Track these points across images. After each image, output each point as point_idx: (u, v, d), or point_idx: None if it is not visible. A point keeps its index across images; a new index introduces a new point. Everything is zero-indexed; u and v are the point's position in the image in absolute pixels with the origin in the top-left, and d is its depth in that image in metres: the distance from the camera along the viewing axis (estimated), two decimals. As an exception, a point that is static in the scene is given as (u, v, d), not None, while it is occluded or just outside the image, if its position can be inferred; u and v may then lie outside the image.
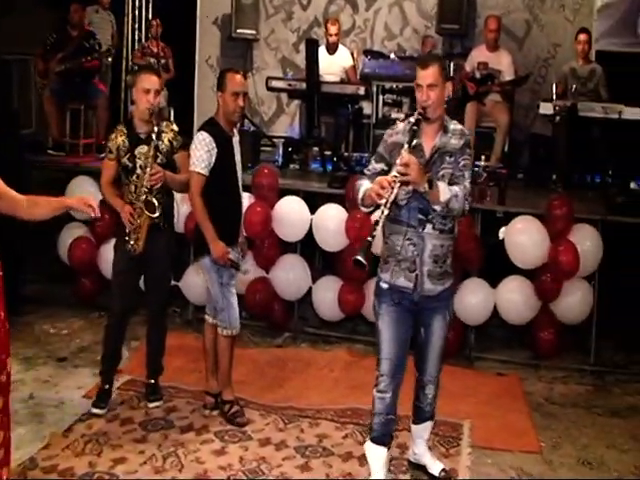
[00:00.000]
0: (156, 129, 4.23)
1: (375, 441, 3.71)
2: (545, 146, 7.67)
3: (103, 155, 4.73)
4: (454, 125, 3.53)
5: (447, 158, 3.46)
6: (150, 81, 4.29)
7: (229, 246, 4.26)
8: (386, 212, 3.29)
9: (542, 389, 5.16)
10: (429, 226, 3.48)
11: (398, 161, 3.31)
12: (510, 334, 5.79)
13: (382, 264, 3.64)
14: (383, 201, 3.28)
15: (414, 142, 3.39)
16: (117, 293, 4.49)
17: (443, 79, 3.47)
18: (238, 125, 4.51)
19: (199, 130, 4.24)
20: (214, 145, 4.15)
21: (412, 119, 3.47)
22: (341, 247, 5.63)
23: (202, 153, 4.13)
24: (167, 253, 4.55)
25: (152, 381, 4.65)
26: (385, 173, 3.44)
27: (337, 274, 5.77)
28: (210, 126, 4.22)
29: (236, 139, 4.37)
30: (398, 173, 3.26)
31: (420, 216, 3.47)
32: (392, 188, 3.27)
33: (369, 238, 3.26)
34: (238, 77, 4.25)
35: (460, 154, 3.47)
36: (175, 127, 4.48)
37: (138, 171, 4.30)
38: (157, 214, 4.30)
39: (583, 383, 5.28)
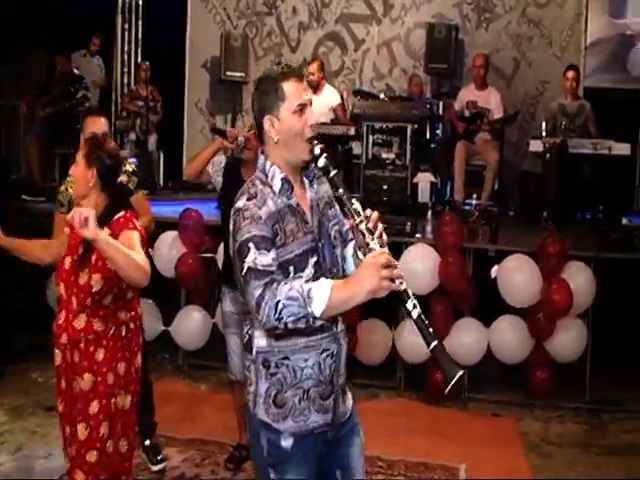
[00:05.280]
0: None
1: None
2: (535, 183, 7.69)
3: None
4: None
5: (329, 212, 2.44)
6: (96, 124, 4.08)
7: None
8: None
9: (538, 429, 5.09)
10: (340, 319, 2.39)
11: (372, 243, 2.20)
12: (504, 374, 5.72)
13: (266, 413, 2.35)
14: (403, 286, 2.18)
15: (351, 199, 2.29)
16: None
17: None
18: None
19: None
20: None
21: (278, 175, 2.33)
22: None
23: None
24: None
25: (147, 442, 4.40)
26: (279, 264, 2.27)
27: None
28: None
29: None
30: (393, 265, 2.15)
31: None
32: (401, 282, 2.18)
33: (417, 318, 2.17)
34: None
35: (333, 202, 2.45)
36: (129, 167, 4.24)
37: None
38: None
39: (579, 422, 5.22)
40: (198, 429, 4.80)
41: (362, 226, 2.23)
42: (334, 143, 7.43)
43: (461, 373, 2.09)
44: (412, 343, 5.41)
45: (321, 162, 2.31)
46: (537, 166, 7.65)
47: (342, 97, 7.97)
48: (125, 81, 9.56)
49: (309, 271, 2.31)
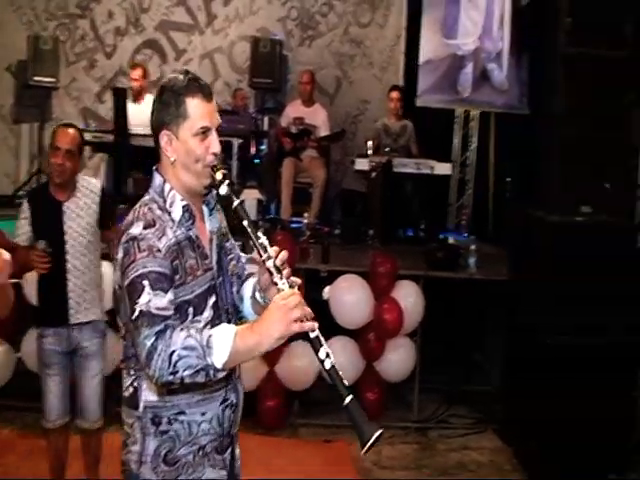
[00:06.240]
0: None
1: None
2: (358, 201, 7.74)
3: None
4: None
5: (226, 244, 2.23)
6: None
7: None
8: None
9: (370, 453, 4.96)
10: (237, 365, 2.12)
11: (280, 283, 1.94)
12: (335, 397, 5.58)
13: (154, 471, 2.06)
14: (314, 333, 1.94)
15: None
16: None
17: None
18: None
19: None
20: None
21: (179, 202, 2.07)
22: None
23: None
24: None
25: None
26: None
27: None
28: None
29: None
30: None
31: None
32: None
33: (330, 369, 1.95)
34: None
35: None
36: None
37: None
38: None
39: (408, 442, 5.23)
40: (3, 481, 4.28)
41: (269, 263, 1.97)
42: (156, 156, 7.03)
43: (380, 432, 1.90)
44: (241, 370, 5.16)
45: (223, 190, 2.03)
46: (359, 184, 7.71)
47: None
48: None
49: (208, 314, 2.06)
